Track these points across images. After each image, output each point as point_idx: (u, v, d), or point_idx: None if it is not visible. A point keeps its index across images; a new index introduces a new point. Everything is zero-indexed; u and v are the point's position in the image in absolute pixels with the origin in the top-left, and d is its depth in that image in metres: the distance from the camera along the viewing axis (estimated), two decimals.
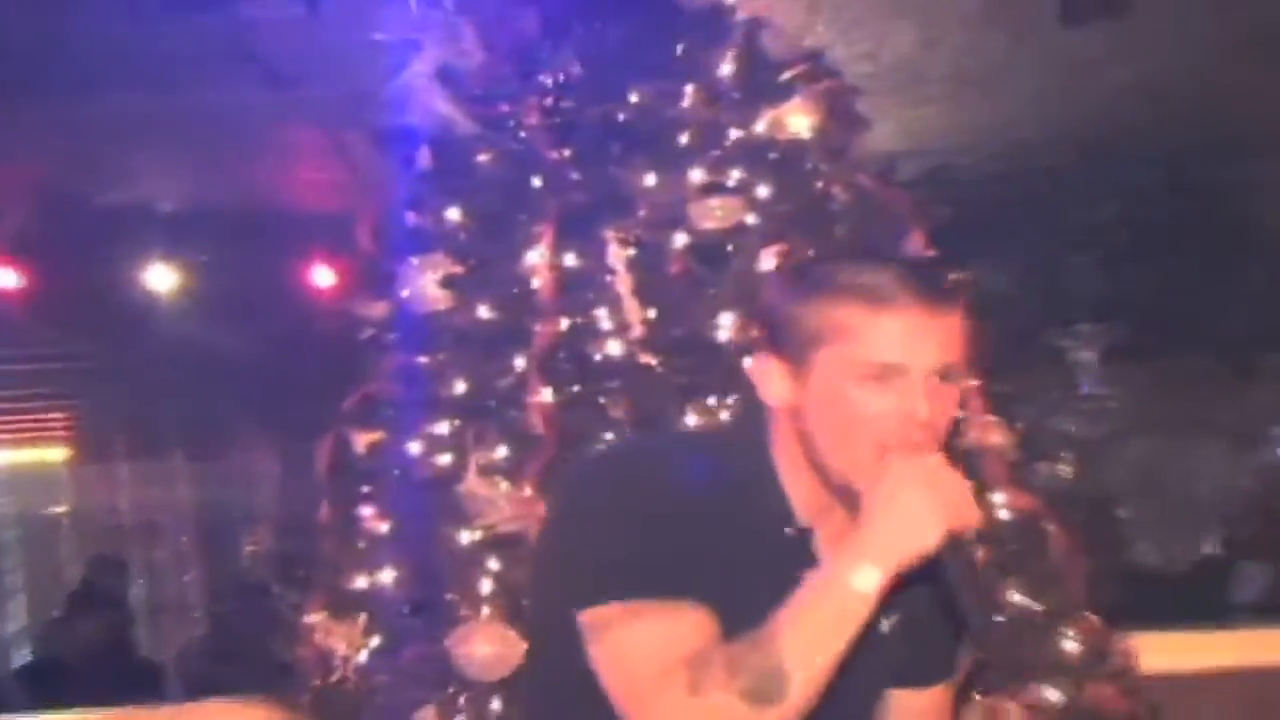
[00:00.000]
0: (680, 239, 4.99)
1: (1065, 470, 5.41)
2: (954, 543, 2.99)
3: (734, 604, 3.09)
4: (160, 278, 12.99)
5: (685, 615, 3.04)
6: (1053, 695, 4.91)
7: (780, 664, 2.91)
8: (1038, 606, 4.98)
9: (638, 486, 3.26)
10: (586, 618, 3.15)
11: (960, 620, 3.07)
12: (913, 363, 3.11)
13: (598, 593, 3.12)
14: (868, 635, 3.03)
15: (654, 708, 3.02)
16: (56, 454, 19.35)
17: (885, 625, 3.22)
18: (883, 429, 3.09)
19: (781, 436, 3.30)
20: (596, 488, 3.39)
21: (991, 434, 5.15)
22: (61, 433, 18.87)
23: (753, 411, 3.43)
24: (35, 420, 18.48)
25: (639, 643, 3.05)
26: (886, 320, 3.09)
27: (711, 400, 4.85)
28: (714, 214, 4.99)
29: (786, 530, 3.30)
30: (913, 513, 2.97)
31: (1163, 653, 5.27)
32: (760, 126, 5.17)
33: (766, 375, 3.26)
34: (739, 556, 3.14)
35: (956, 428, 3.43)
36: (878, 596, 2.96)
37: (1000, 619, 3.16)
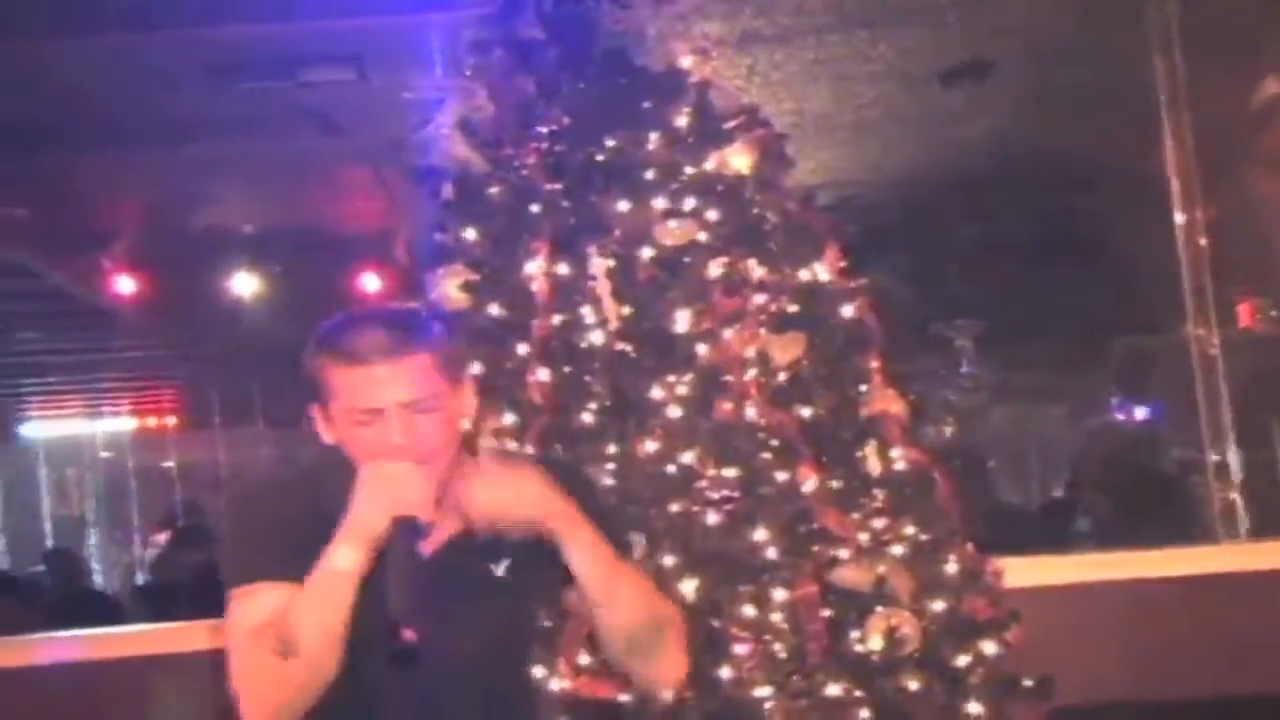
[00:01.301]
0: (647, 252, 4.95)
1: (946, 431, 5.37)
2: (400, 526, 3.02)
3: None
4: (244, 284, 12.98)
5: (262, 595, 3.10)
6: (938, 605, 4.88)
7: (293, 625, 2.99)
8: (925, 536, 4.95)
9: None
10: None
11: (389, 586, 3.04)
12: (383, 403, 3.08)
13: (224, 583, 3.20)
14: (482, 578, 3.22)
15: (233, 665, 3.10)
16: (167, 421, 19.35)
17: (499, 570, 3.25)
18: (376, 455, 3.09)
19: None
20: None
21: (891, 403, 5.11)
22: (170, 405, 18.83)
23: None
24: (150, 395, 18.42)
25: (232, 617, 3.15)
26: (357, 375, 3.08)
27: (671, 378, 4.82)
28: (673, 233, 4.95)
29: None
30: (365, 505, 3.03)
31: (1021, 572, 5.23)
32: (709, 165, 5.13)
33: (314, 422, 3.26)
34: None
35: (468, 436, 3.34)
36: (355, 568, 3.01)
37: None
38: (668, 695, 3.42)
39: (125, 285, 12.69)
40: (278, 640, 3.01)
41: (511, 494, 3.11)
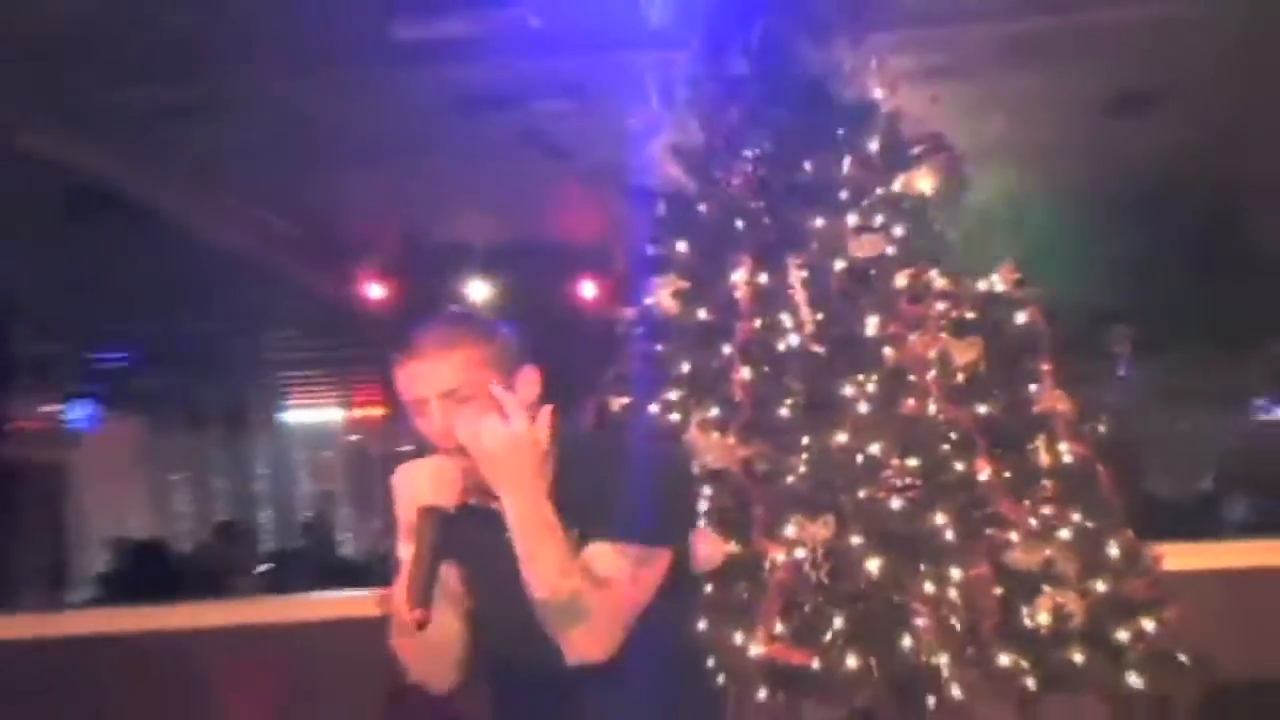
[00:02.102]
0: (840, 264, 4.93)
1: (1105, 428, 5.28)
2: (425, 516, 3.00)
3: None
4: (477, 290, 13.10)
5: None
6: (1100, 586, 4.80)
7: None
8: (1089, 523, 4.88)
9: None
10: None
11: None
12: (425, 394, 3.07)
13: None
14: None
15: None
16: None
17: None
18: (432, 442, 3.10)
19: None
20: None
21: (1059, 402, 5.04)
22: None
23: None
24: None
25: None
26: (407, 370, 3.09)
27: (860, 377, 4.80)
28: (864, 246, 4.93)
29: None
30: (398, 502, 3.04)
31: (1175, 558, 5.12)
32: (897, 185, 5.10)
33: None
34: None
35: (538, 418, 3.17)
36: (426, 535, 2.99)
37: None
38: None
39: (374, 291, 12.91)
40: None
41: (478, 434, 3.03)
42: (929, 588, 4.61)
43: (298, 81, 7.57)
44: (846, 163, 5.07)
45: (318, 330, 14.13)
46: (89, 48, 6.95)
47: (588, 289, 11.94)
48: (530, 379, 3.17)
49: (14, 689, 5.99)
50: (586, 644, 3.08)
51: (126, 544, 12.49)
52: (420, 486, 3.01)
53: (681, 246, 5.14)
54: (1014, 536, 4.73)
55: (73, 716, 5.93)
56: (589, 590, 3.04)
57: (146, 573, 11.29)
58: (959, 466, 4.75)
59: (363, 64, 7.34)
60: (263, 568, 13.31)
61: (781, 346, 4.87)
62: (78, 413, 10.71)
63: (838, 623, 4.56)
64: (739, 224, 5.06)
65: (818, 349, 4.85)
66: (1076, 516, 4.85)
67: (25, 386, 9.05)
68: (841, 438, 4.71)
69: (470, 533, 3.13)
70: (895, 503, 4.68)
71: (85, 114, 8.10)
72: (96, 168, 8.87)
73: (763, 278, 4.95)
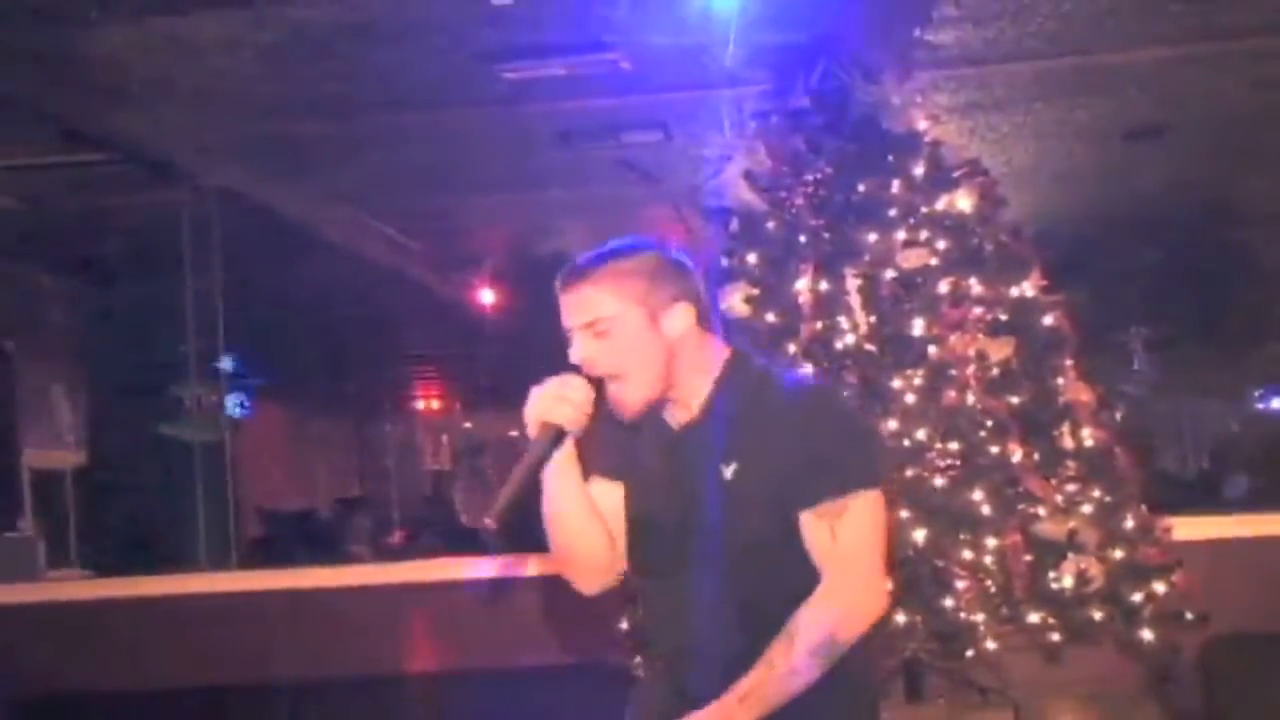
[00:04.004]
0: (890, 273, 4.90)
1: (1121, 415, 5.22)
2: (544, 429, 2.62)
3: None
4: None
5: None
6: (1118, 553, 4.76)
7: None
8: (1109, 498, 4.83)
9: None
10: None
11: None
12: (570, 324, 2.67)
13: None
14: (710, 482, 2.65)
15: None
16: None
17: (728, 473, 2.64)
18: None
19: None
20: None
21: (1082, 393, 5.00)
22: None
23: None
24: None
25: None
26: (560, 303, 2.69)
27: (908, 372, 4.77)
28: (911, 258, 4.90)
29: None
30: (528, 408, 2.62)
31: (1182, 529, 5.06)
32: (940, 204, 5.06)
33: None
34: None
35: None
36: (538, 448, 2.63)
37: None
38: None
39: (488, 297, 12.95)
40: None
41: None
42: (967, 555, 4.60)
43: (422, 119, 7.61)
44: (895, 185, 5.03)
45: (439, 330, 14.19)
46: (253, 93, 7.04)
47: None
48: (682, 313, 2.68)
49: (190, 635, 6.07)
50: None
51: (279, 513, 12.64)
52: (540, 404, 2.64)
53: (751, 258, 5.12)
54: (1042, 510, 4.72)
55: (242, 658, 5.98)
56: None
57: (294, 537, 11.41)
58: (994, 449, 4.73)
59: (476, 103, 7.37)
60: (391, 536, 13.42)
61: (839, 345, 4.84)
62: (235, 401, 10.82)
63: (888, 585, 4.53)
64: (801, 238, 5.04)
65: (870, 347, 4.83)
66: (1097, 493, 4.82)
67: (192, 378, 9.14)
68: (891, 424, 4.69)
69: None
70: (938, 481, 4.67)
71: (249, 148, 8.19)
72: (261, 193, 8.97)
73: (823, 285, 4.92)
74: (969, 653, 4.55)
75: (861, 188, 5.03)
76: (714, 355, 2.75)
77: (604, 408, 2.73)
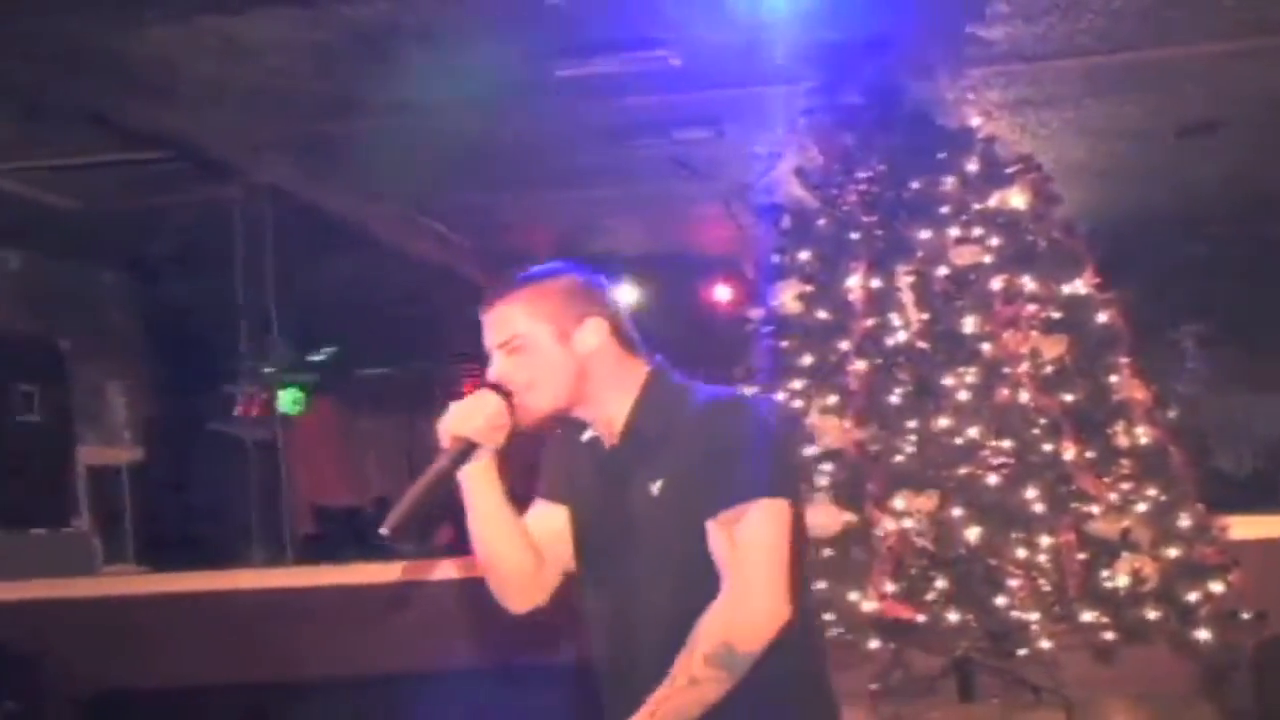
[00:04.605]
0: (942, 270, 4.89)
1: (1176, 413, 5.18)
2: (454, 442, 2.66)
3: None
4: (627, 294, 13.11)
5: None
6: (1173, 552, 4.72)
7: None
8: (1163, 497, 4.80)
9: None
10: None
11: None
12: (489, 343, 2.75)
13: None
14: (640, 497, 2.69)
15: None
16: None
17: (654, 489, 2.68)
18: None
19: None
20: None
21: (1136, 391, 4.97)
22: None
23: None
24: None
25: None
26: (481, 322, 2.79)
27: (960, 369, 4.76)
28: (964, 255, 4.89)
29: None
30: (442, 421, 2.66)
31: (1236, 528, 5.02)
32: (993, 201, 5.05)
33: None
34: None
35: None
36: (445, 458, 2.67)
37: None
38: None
39: None
40: None
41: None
42: (1021, 553, 4.58)
43: (474, 117, 7.63)
44: (948, 182, 5.02)
45: None
46: (306, 91, 7.08)
47: (721, 292, 11.93)
48: (593, 329, 2.75)
49: (246, 631, 6.11)
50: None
51: (331, 509, 12.71)
52: (453, 418, 2.69)
53: (803, 255, 5.12)
54: (1096, 509, 4.70)
55: (297, 654, 6.02)
56: None
57: (345, 533, 11.48)
58: (1047, 447, 4.71)
59: (528, 101, 7.38)
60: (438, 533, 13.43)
61: (891, 342, 4.84)
62: (289, 399, 10.87)
63: (941, 583, 4.54)
64: (854, 236, 5.03)
65: (923, 345, 4.83)
66: (1152, 491, 4.80)
67: (247, 377, 9.21)
68: (944, 422, 4.68)
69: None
70: (991, 479, 4.66)
71: (301, 146, 8.25)
72: (312, 190, 9.02)
73: (875, 282, 4.92)
74: (1022, 652, 4.54)
75: (914, 184, 5.02)
76: (633, 374, 2.81)
77: (553, 435, 2.85)
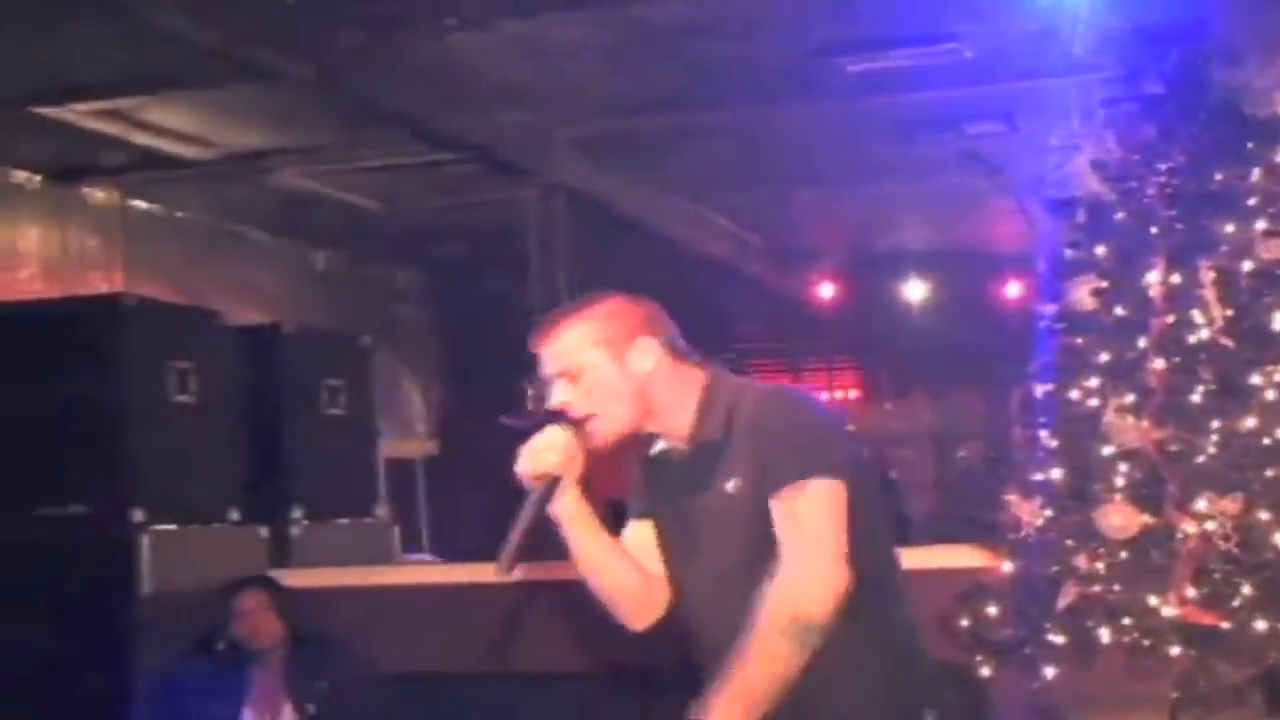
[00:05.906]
0: (1248, 265, 4.72)
1: None
2: (538, 480, 2.90)
3: None
4: (914, 290, 13.04)
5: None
6: None
7: None
8: None
9: None
10: None
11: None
12: (546, 374, 2.96)
13: None
14: (719, 497, 2.90)
15: None
16: (849, 394, 19.29)
17: (729, 487, 2.88)
18: None
19: None
20: None
21: None
22: (852, 381, 18.82)
23: None
24: (837, 374, 18.53)
25: None
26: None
27: (1269, 368, 4.60)
28: (1272, 249, 4.72)
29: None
30: (519, 465, 2.91)
31: None
32: None
33: None
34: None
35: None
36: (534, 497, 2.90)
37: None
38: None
39: (826, 291, 12.99)
40: None
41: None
42: None
43: (762, 113, 7.71)
44: (1255, 173, 4.85)
45: (776, 325, 14.29)
46: (596, 91, 7.26)
47: (1012, 289, 11.75)
48: (645, 347, 2.98)
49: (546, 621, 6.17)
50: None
51: (621, 503, 12.90)
52: (529, 459, 2.92)
53: (1100, 250, 5.01)
54: None
55: (594, 643, 6.07)
56: None
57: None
58: None
59: (817, 96, 7.42)
60: None
61: (1192, 340, 4.71)
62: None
63: (1246, 589, 4.40)
64: (1153, 230, 4.91)
65: (1227, 342, 4.68)
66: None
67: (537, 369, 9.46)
68: (1250, 422, 4.53)
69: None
70: None
71: (591, 145, 8.45)
72: (602, 189, 9.23)
73: (1175, 278, 4.79)
74: None
75: (1218, 176, 4.87)
76: (691, 382, 3.01)
77: (632, 456, 3.10)
